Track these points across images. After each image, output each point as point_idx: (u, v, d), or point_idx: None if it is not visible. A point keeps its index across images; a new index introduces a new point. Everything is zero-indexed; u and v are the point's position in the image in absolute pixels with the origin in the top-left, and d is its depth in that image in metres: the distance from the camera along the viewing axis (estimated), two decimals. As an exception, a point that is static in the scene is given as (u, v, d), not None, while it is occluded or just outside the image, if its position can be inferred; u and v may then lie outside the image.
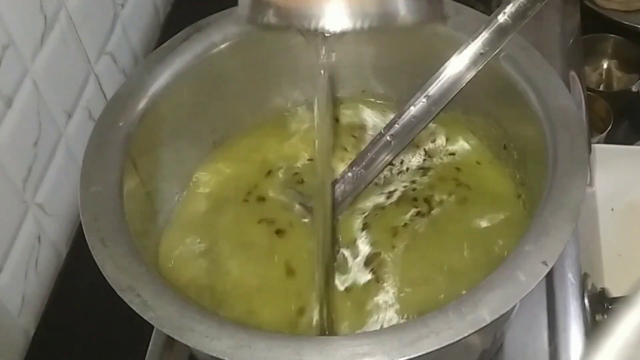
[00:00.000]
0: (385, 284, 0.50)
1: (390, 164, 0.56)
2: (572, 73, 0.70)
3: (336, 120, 0.59)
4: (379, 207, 0.54)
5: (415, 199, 0.54)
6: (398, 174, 0.56)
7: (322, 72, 0.50)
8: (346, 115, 0.60)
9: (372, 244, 0.52)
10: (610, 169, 0.70)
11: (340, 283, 0.51)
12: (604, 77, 0.96)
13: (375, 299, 0.49)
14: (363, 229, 0.53)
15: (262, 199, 0.56)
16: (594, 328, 0.54)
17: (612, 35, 0.93)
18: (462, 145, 0.57)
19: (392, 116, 0.54)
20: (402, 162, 0.57)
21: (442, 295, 0.48)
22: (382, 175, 0.56)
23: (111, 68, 0.70)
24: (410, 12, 0.29)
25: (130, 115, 0.50)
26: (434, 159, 0.57)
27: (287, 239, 0.53)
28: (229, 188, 0.56)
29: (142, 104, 0.51)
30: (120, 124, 0.49)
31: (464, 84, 0.51)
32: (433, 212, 0.53)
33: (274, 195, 0.56)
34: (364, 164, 0.54)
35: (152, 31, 0.79)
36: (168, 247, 0.53)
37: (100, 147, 0.48)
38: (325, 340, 0.39)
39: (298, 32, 0.46)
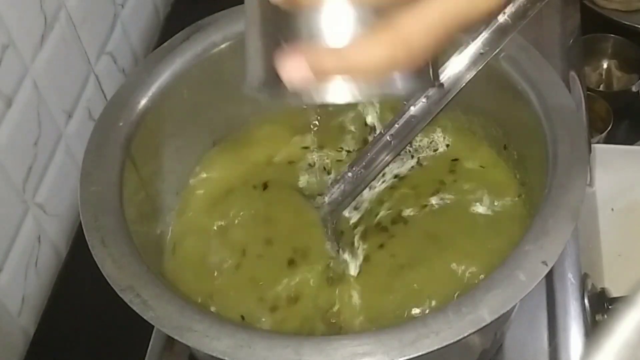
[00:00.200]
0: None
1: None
2: (572, 73, 0.70)
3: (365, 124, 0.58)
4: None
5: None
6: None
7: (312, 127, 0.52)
8: (346, 115, 0.60)
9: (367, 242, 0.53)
10: (610, 169, 0.70)
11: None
12: (604, 77, 0.96)
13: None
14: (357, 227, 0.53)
15: (262, 199, 0.56)
16: (594, 328, 0.54)
17: (612, 35, 0.93)
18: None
19: (392, 116, 0.54)
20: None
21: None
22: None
23: (111, 68, 0.70)
24: (405, 86, 0.31)
25: (130, 115, 0.50)
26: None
27: (288, 239, 0.53)
28: (229, 188, 0.56)
29: (142, 104, 0.51)
30: (120, 124, 0.49)
31: (464, 84, 0.51)
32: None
33: (274, 195, 0.56)
34: (364, 164, 0.54)
35: (152, 31, 0.79)
36: (169, 246, 0.53)
37: (100, 147, 0.48)
38: (325, 340, 0.39)
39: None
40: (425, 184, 0.55)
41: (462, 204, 0.53)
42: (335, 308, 0.50)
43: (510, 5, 0.49)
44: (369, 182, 0.54)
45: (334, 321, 0.49)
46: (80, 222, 0.44)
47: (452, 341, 0.38)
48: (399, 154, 0.55)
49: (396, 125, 0.53)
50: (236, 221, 0.54)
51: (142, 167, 0.50)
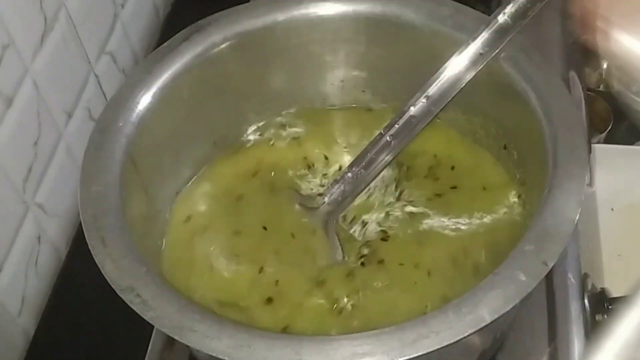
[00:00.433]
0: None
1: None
2: (572, 73, 0.70)
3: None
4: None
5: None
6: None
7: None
8: (346, 115, 0.60)
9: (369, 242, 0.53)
10: (610, 169, 0.70)
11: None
12: (604, 77, 0.96)
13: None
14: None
15: (262, 199, 0.56)
16: (594, 328, 0.54)
17: (612, 35, 0.93)
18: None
19: (391, 116, 0.54)
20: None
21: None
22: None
23: (111, 68, 0.70)
24: None
25: (130, 115, 0.50)
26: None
27: (287, 240, 0.53)
28: (229, 188, 0.56)
29: (142, 104, 0.51)
30: (120, 124, 0.49)
31: (464, 84, 0.51)
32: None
33: (275, 195, 0.56)
34: (363, 164, 0.54)
35: (152, 31, 0.79)
36: (169, 246, 0.53)
37: (100, 147, 0.48)
38: (325, 340, 0.39)
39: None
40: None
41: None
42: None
43: (510, 5, 0.50)
44: (369, 182, 0.54)
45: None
46: (80, 222, 0.44)
47: (452, 341, 0.38)
48: (399, 154, 0.55)
49: (396, 126, 0.53)
50: (236, 221, 0.54)
51: (142, 167, 0.50)
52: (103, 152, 0.48)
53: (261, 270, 0.51)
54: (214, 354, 0.38)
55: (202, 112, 0.56)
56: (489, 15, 0.51)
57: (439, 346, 0.37)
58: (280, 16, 0.55)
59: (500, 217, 0.53)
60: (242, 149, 0.59)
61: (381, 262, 0.52)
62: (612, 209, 0.70)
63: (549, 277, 0.57)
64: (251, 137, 0.59)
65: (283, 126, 0.60)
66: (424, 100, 0.52)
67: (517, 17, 0.50)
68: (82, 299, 0.60)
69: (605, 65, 0.95)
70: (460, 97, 0.52)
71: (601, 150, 0.71)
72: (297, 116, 0.60)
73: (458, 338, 0.38)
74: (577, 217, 0.42)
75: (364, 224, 0.54)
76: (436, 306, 0.40)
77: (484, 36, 0.50)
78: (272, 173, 0.57)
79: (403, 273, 0.51)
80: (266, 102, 0.59)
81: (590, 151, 0.66)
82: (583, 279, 0.57)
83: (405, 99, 0.53)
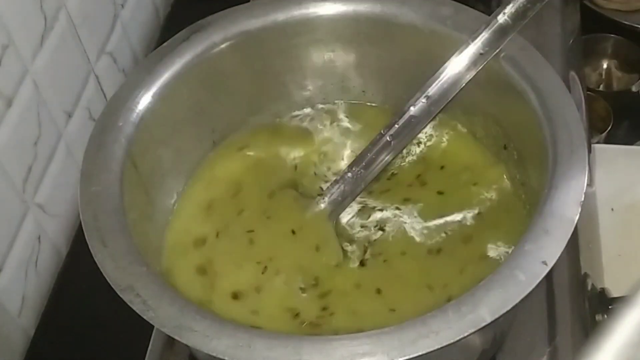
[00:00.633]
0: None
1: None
2: (572, 73, 0.70)
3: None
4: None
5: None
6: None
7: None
8: (346, 115, 0.60)
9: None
10: (610, 169, 0.70)
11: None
12: (604, 77, 0.96)
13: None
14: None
15: (262, 199, 0.56)
16: (594, 328, 0.54)
17: (612, 35, 0.93)
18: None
19: (391, 117, 0.54)
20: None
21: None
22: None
23: (111, 68, 0.70)
24: None
25: (130, 115, 0.50)
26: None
27: (287, 240, 0.53)
28: (229, 188, 0.56)
29: (142, 104, 0.51)
30: (120, 124, 0.49)
31: (464, 84, 0.51)
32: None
33: (275, 195, 0.56)
34: (363, 164, 0.54)
35: (152, 31, 0.79)
36: (169, 246, 0.53)
37: (100, 147, 0.48)
38: (325, 340, 0.39)
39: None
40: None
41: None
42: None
43: (510, 5, 0.50)
44: (368, 182, 0.54)
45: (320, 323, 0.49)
46: (80, 222, 0.44)
47: (452, 341, 0.38)
48: (398, 154, 0.55)
49: (396, 126, 0.53)
50: (236, 221, 0.54)
51: (142, 167, 0.50)
52: (103, 152, 0.48)
53: (264, 270, 0.51)
54: (213, 354, 0.38)
55: (202, 112, 0.56)
56: (489, 15, 0.51)
57: (439, 346, 0.37)
58: (280, 16, 0.55)
59: (499, 217, 0.53)
60: (242, 149, 0.59)
61: (383, 261, 0.52)
62: (612, 209, 0.70)
63: (548, 277, 0.57)
64: (251, 137, 0.59)
65: (283, 126, 0.60)
66: (424, 100, 0.52)
67: (517, 17, 0.50)
68: (82, 299, 0.60)
69: (605, 65, 0.95)
70: (461, 97, 0.52)
71: (601, 150, 0.71)
72: (297, 116, 0.60)
73: (458, 338, 0.38)
74: (577, 217, 0.42)
75: (364, 224, 0.54)
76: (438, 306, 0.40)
77: (484, 36, 0.50)
78: (272, 173, 0.57)
79: (406, 272, 0.51)
80: (266, 102, 0.59)
81: (590, 151, 0.66)
82: (583, 279, 0.57)
83: (405, 99, 0.53)
